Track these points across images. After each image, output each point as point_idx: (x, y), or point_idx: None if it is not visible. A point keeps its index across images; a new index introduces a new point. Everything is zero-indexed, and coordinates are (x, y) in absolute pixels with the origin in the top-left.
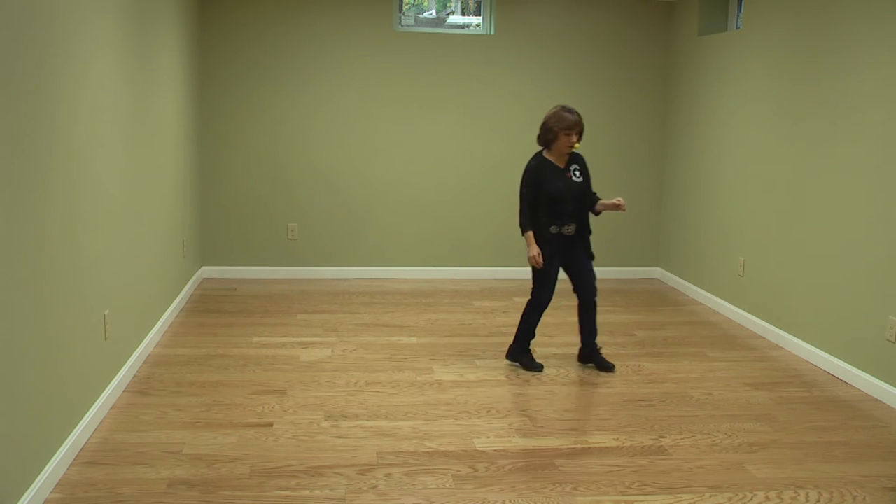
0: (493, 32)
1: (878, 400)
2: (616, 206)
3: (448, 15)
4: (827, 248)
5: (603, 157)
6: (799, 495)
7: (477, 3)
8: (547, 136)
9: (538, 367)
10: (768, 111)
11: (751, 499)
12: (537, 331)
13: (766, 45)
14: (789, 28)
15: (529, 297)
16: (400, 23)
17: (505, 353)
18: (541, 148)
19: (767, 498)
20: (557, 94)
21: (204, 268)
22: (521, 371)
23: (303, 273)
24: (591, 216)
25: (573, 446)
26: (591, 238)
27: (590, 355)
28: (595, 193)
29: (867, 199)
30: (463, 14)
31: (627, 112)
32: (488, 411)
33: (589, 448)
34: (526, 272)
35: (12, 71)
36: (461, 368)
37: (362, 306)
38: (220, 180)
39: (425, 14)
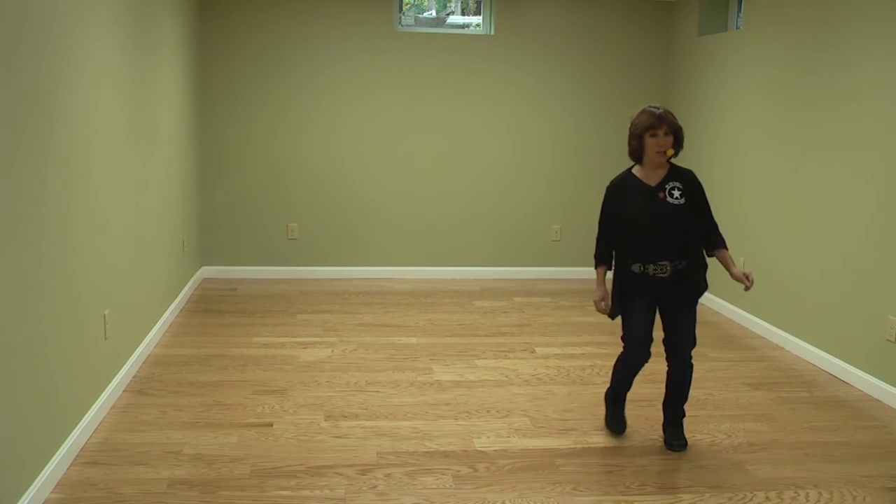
0: (493, 32)
1: (878, 400)
2: (742, 280)
3: (448, 15)
4: (827, 248)
5: (603, 157)
6: (799, 495)
7: (477, 3)
8: (632, 144)
9: (617, 430)
10: (768, 111)
11: (751, 499)
12: (543, 337)
13: (766, 45)
14: (789, 28)
15: None
16: (400, 23)
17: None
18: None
19: (767, 498)
20: (558, 93)
21: (204, 268)
22: (521, 371)
23: (303, 273)
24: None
25: (573, 446)
26: (592, 237)
27: (667, 427)
28: (721, 237)
29: (867, 198)
30: (463, 14)
31: (628, 112)
32: (488, 411)
33: (589, 448)
34: (526, 271)
35: (9, 68)
36: (461, 368)
37: (362, 306)
38: (220, 180)
39: (425, 14)
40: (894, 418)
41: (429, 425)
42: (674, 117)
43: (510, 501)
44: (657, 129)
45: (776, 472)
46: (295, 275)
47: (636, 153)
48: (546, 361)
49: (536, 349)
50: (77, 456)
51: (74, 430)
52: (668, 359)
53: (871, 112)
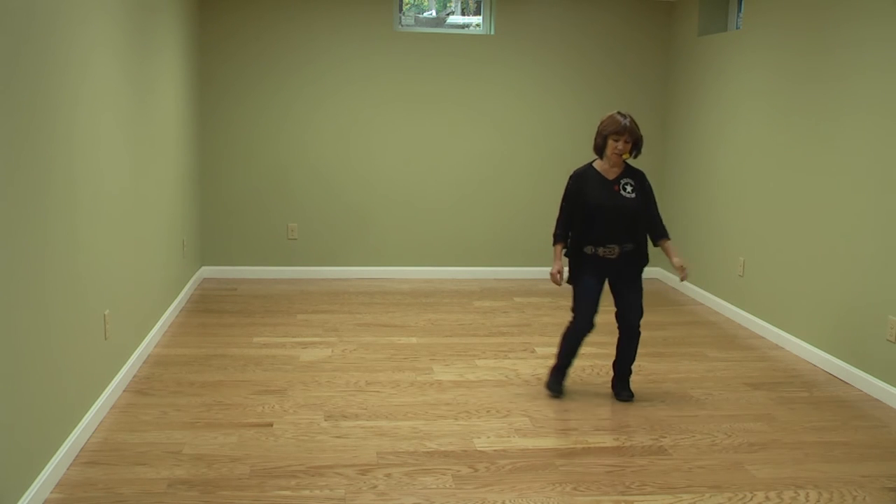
0: (493, 32)
1: (878, 400)
2: (679, 270)
3: (448, 15)
4: (827, 248)
5: None
6: (799, 495)
7: (477, 3)
8: (596, 140)
9: (555, 391)
10: (768, 111)
11: (751, 499)
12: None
13: (766, 45)
14: (789, 28)
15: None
16: (400, 23)
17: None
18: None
19: (767, 498)
20: (558, 94)
21: (204, 268)
22: (521, 371)
23: (303, 273)
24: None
25: (573, 446)
26: None
27: (616, 386)
28: (664, 228)
29: (867, 198)
30: (463, 14)
31: (628, 112)
32: (488, 411)
33: (589, 448)
34: (526, 272)
35: (12, 71)
36: (461, 368)
37: (362, 306)
38: (220, 180)
39: (425, 14)
40: (894, 418)
41: (429, 425)
42: (637, 127)
43: (510, 501)
44: (620, 136)
45: (776, 472)
46: (295, 275)
47: (599, 149)
48: (546, 361)
49: (536, 349)
50: (77, 456)
51: (74, 430)
52: (619, 328)
53: (871, 112)
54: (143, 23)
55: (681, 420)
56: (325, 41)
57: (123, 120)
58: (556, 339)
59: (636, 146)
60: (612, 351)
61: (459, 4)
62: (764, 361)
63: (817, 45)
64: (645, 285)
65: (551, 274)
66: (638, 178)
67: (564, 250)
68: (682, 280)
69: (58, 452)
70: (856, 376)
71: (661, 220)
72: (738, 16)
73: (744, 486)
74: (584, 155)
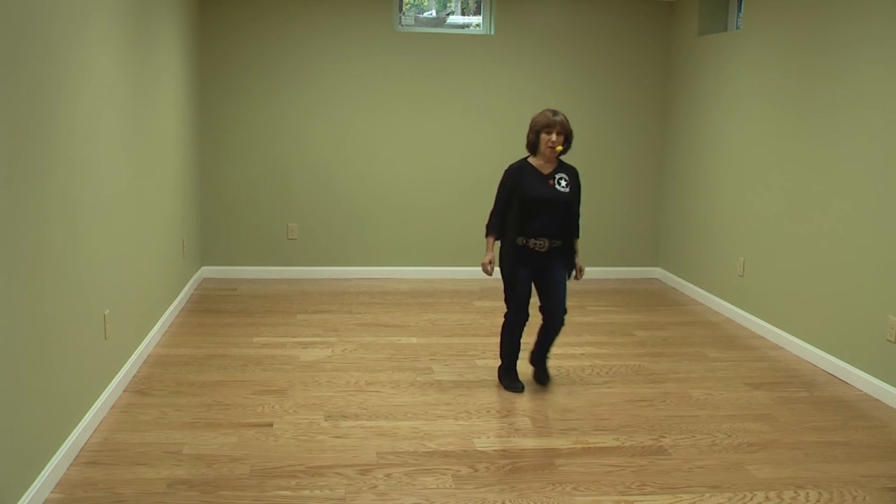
0: (493, 32)
1: (878, 400)
2: (578, 269)
3: (448, 15)
4: (827, 248)
5: (603, 158)
6: (799, 495)
7: (477, 3)
8: (529, 137)
9: (516, 388)
10: (768, 111)
11: (751, 499)
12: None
13: (766, 45)
14: (789, 28)
15: None
16: (400, 23)
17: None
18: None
19: (767, 498)
20: (558, 93)
21: (204, 268)
22: (521, 371)
23: (303, 273)
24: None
25: (573, 446)
26: (591, 237)
27: (534, 364)
28: (578, 227)
29: (867, 198)
30: (463, 14)
31: (628, 112)
32: (488, 411)
33: (589, 448)
34: None
35: (11, 70)
36: (461, 368)
37: (362, 306)
38: (220, 180)
39: (425, 14)
40: (894, 418)
41: (429, 425)
42: (567, 121)
43: (510, 501)
44: (551, 129)
45: (776, 472)
46: (295, 275)
47: (532, 145)
48: (546, 361)
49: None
50: (77, 456)
51: (74, 430)
52: (543, 319)
53: (871, 111)
54: (143, 22)
55: (681, 420)
56: (325, 41)
57: (123, 120)
58: (557, 339)
59: (567, 140)
60: (612, 351)
61: (459, 4)
62: (764, 361)
63: (817, 44)
64: (644, 285)
65: (483, 264)
66: (571, 173)
67: (496, 242)
68: (577, 279)
69: (58, 452)
70: (856, 376)
71: (578, 219)
72: (738, 16)
73: (744, 486)
74: (583, 154)
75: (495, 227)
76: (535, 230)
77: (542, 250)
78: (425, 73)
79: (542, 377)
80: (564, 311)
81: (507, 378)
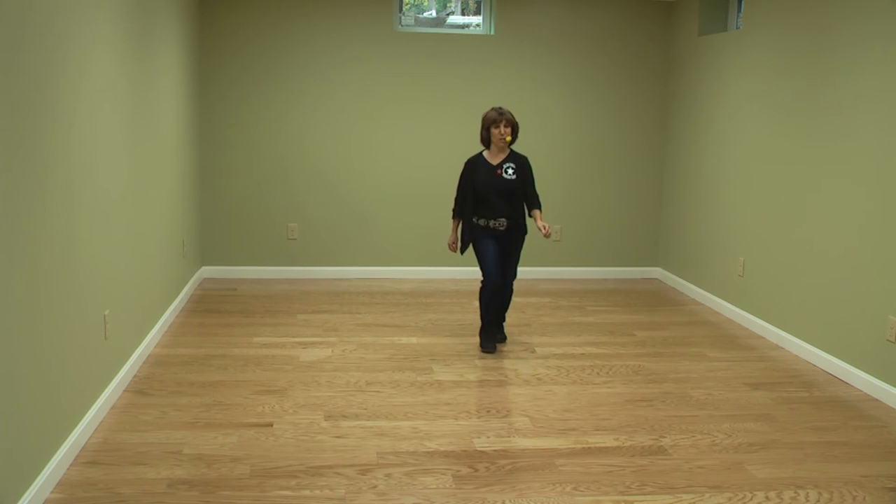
0: (493, 32)
1: (878, 400)
2: (540, 229)
3: (448, 15)
4: (827, 248)
5: (603, 158)
6: (799, 495)
7: (477, 3)
8: (482, 133)
9: (489, 348)
10: (768, 111)
11: (751, 499)
12: (543, 337)
13: (766, 45)
14: (789, 28)
15: None
16: (400, 23)
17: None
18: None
19: (767, 498)
20: (557, 93)
21: (204, 268)
22: (521, 371)
23: (303, 273)
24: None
25: (573, 446)
26: (591, 237)
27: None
28: (537, 199)
29: (867, 198)
30: (463, 14)
31: (627, 112)
32: (488, 411)
33: (589, 448)
34: (526, 271)
35: (9, 70)
36: (461, 368)
37: (362, 306)
38: (220, 180)
39: (425, 14)
40: (894, 418)
41: (429, 425)
42: (512, 115)
43: (510, 501)
44: (499, 123)
45: (776, 472)
46: (295, 275)
47: (485, 140)
48: (546, 361)
49: (536, 349)
50: (77, 456)
51: (75, 430)
52: None
53: (871, 111)
54: (142, 22)
55: (681, 420)
56: (325, 41)
57: (123, 119)
58: (557, 339)
59: (514, 131)
60: (612, 351)
61: (459, 4)
62: (764, 361)
63: (817, 44)
64: (644, 285)
65: (449, 244)
66: (519, 161)
67: (459, 224)
68: (546, 237)
69: (58, 452)
70: (855, 376)
71: (536, 195)
72: (738, 16)
73: (744, 486)
74: (583, 154)
75: (458, 212)
76: (489, 213)
77: (502, 229)
78: (425, 73)
79: (498, 334)
80: (514, 277)
81: (483, 337)
